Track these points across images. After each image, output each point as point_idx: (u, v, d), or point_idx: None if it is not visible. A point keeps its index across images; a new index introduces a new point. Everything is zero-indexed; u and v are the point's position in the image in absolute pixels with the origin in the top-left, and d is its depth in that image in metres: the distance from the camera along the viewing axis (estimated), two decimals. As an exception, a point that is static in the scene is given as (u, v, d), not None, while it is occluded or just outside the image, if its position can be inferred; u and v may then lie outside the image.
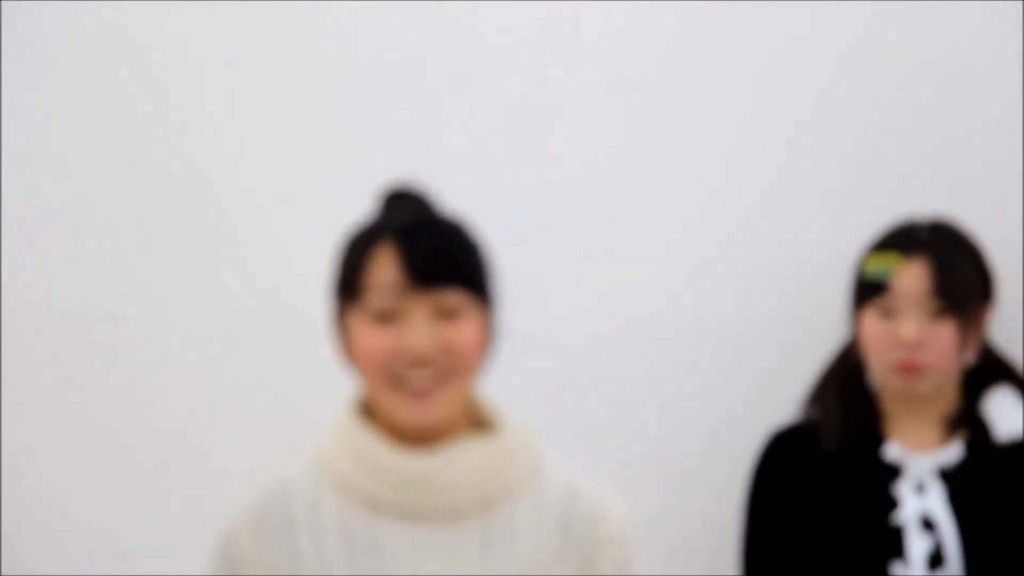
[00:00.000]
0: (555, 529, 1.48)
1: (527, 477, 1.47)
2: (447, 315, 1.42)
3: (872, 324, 1.85)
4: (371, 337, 1.43)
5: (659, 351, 2.33)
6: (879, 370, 1.86)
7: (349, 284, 1.47)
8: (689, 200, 2.33)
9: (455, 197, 2.24)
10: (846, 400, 1.89)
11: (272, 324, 2.57)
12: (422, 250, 1.43)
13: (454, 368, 1.42)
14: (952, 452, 1.85)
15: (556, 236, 2.39)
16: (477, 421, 1.48)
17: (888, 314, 1.84)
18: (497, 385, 2.13)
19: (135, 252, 2.66)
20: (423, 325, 1.42)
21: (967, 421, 1.87)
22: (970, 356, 1.87)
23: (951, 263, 1.84)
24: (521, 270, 2.12)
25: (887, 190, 2.28)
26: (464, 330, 1.43)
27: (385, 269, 1.42)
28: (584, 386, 2.36)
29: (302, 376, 2.47)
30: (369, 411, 1.49)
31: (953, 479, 1.84)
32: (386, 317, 1.42)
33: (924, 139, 2.31)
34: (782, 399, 2.11)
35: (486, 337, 1.47)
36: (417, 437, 1.45)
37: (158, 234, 2.66)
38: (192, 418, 2.63)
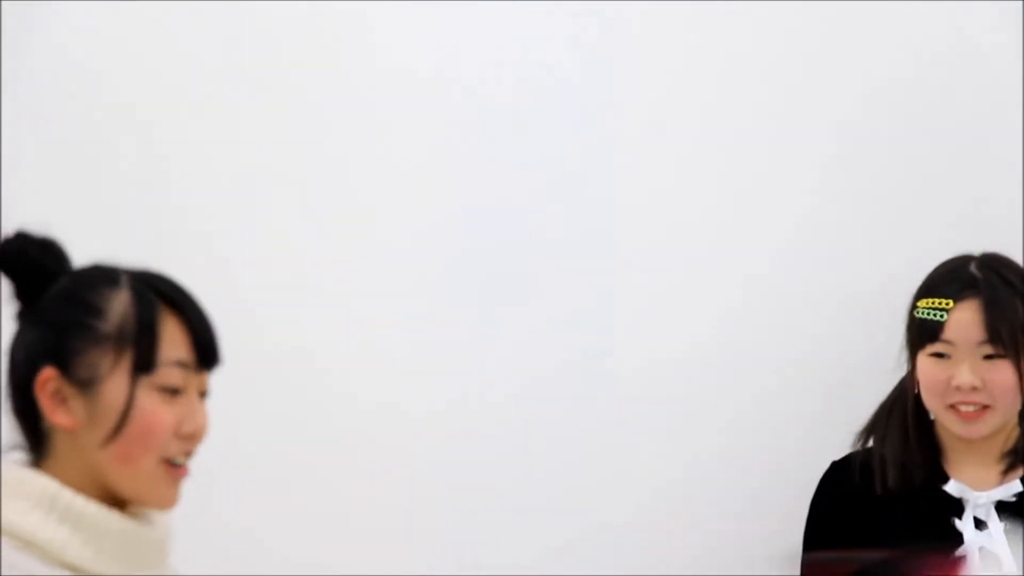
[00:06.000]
0: None
1: None
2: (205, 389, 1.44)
3: (928, 368, 1.84)
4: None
5: (711, 382, 2.34)
6: (937, 411, 1.85)
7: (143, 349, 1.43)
8: (738, 231, 2.36)
9: (508, 228, 2.43)
10: (905, 437, 1.89)
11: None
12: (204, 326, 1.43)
13: None
14: (1013, 487, 1.85)
15: (604, 266, 2.41)
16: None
17: (943, 359, 1.83)
18: (555, 411, 2.32)
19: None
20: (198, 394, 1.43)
21: None
22: None
23: (1002, 305, 1.82)
24: (571, 299, 2.36)
25: (935, 215, 2.31)
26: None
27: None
28: (636, 416, 2.37)
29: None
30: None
31: (1014, 514, 1.83)
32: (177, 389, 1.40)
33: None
34: (838, 430, 2.12)
35: None
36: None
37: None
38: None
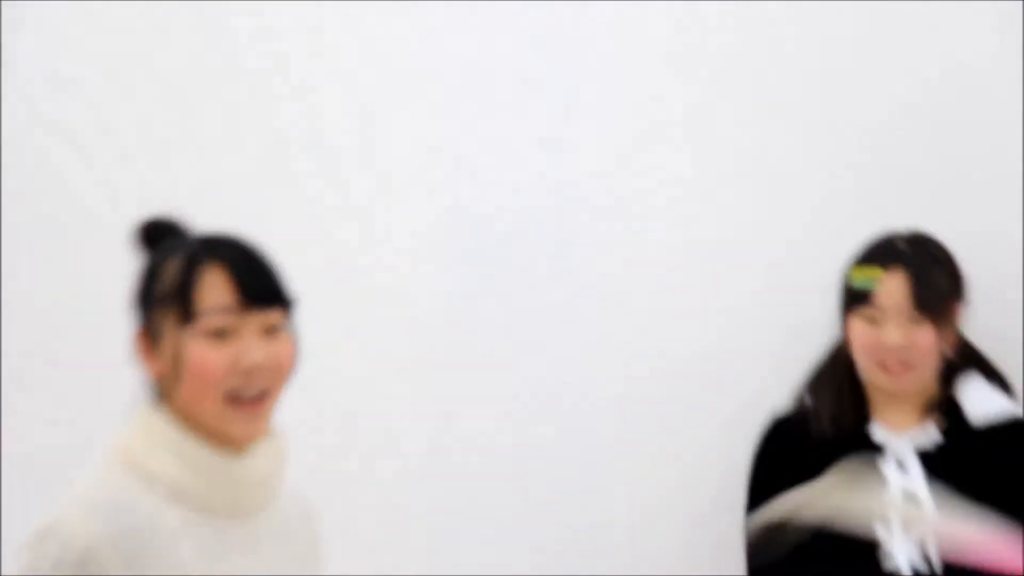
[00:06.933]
0: (297, 523, 1.65)
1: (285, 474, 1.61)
2: (274, 329, 1.52)
3: (859, 329, 2.04)
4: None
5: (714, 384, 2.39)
6: (867, 368, 2.06)
7: (182, 298, 1.53)
8: (744, 236, 2.40)
9: (493, 241, 2.43)
10: (837, 390, 2.10)
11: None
12: (251, 267, 1.53)
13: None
14: (930, 435, 2.06)
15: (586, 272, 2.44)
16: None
17: (872, 321, 2.03)
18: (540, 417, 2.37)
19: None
20: (259, 338, 1.51)
21: (945, 407, 2.08)
22: (947, 350, 2.07)
23: (926, 275, 2.03)
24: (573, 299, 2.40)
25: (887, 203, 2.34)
26: (290, 348, 1.54)
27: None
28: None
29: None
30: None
31: (931, 459, 2.04)
32: (222, 330, 1.51)
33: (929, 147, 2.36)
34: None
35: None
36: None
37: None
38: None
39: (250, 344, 1.49)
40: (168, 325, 1.50)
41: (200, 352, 1.48)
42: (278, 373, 1.52)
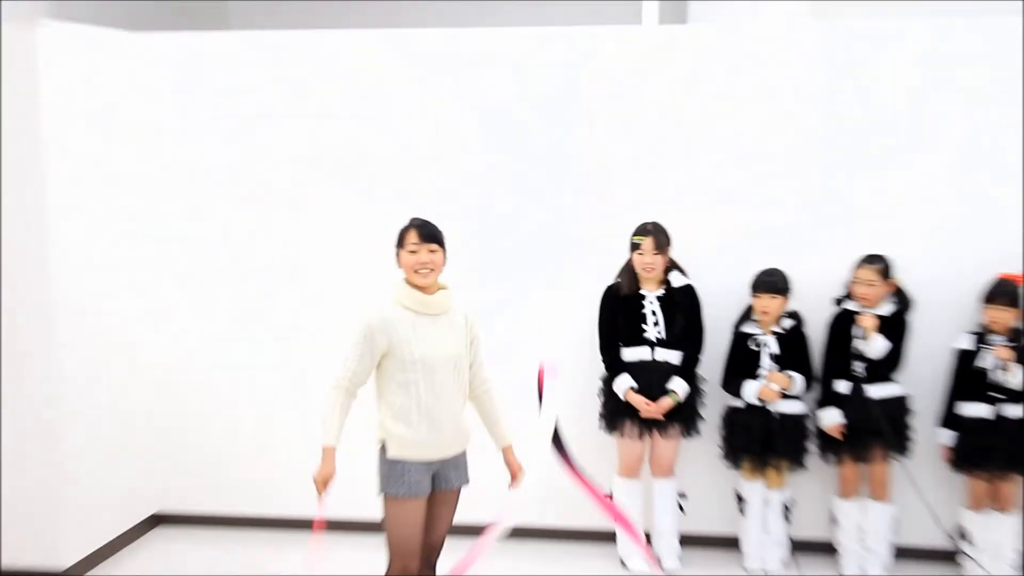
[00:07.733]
0: (463, 320, 4.14)
1: (453, 302, 4.09)
2: (434, 250, 3.97)
3: (635, 258, 5.55)
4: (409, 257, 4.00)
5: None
6: (638, 270, 5.57)
7: (401, 241, 3.97)
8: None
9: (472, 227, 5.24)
10: (628, 277, 5.64)
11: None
12: (426, 230, 3.96)
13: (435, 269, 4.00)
14: (660, 292, 5.64)
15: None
16: (440, 287, 4.07)
17: (640, 255, 5.52)
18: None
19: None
20: (427, 253, 3.94)
21: (666, 281, 5.68)
22: (666, 263, 5.64)
23: (658, 238, 5.54)
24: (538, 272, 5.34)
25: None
26: (439, 256, 4.02)
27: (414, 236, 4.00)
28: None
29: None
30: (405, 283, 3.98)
31: (660, 300, 5.62)
32: (414, 251, 3.94)
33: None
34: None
35: (444, 259, 4.02)
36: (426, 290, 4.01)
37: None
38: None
39: (422, 255, 3.98)
40: (399, 249, 4.02)
41: (405, 256, 4.01)
42: (434, 264, 4.03)
